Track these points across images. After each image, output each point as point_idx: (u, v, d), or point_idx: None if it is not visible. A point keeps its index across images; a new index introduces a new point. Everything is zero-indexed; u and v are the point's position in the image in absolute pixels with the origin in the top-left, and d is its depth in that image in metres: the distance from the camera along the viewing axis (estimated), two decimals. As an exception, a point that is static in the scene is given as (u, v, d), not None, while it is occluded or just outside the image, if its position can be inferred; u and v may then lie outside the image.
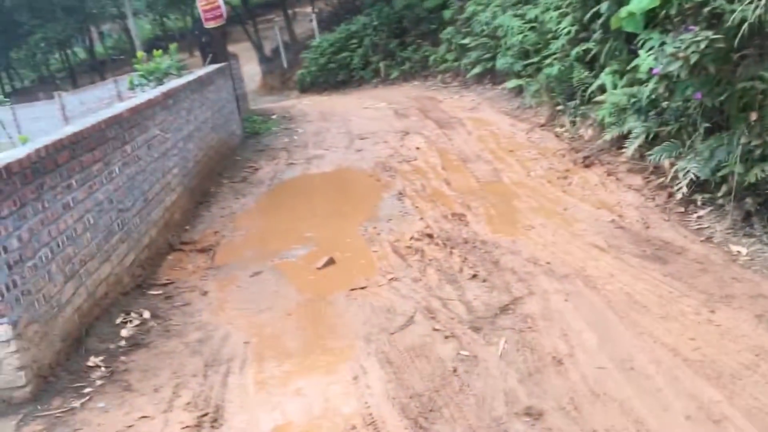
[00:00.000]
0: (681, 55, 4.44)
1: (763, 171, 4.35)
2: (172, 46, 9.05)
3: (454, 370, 3.58)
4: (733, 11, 4.33)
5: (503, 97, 10.84)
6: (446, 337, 3.93)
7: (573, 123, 8.01)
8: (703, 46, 4.34)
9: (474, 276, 4.77)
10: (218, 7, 10.51)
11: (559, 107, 8.51)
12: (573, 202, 5.99)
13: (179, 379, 3.80)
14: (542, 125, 8.67)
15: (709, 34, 4.37)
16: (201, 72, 9.03)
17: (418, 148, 8.70)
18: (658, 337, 3.64)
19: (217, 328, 4.42)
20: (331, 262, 5.44)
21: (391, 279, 4.94)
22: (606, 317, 3.94)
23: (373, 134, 9.79)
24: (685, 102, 5.05)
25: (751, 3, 4.24)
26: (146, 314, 4.63)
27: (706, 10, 4.55)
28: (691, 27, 4.55)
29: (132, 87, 7.36)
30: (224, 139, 9.26)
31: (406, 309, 4.41)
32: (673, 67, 4.53)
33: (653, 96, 5.56)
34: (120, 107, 5.76)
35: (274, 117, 12.29)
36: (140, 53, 8.23)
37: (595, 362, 3.49)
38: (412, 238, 5.67)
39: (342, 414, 3.33)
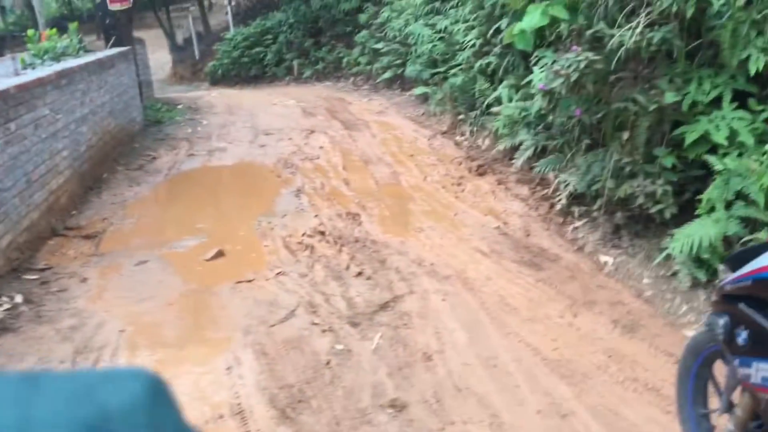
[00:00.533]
0: (563, 72, 4.69)
1: (631, 187, 4.65)
2: (72, 26, 8.73)
3: (327, 363, 3.66)
4: (612, 35, 4.62)
5: (410, 103, 11.05)
6: (324, 331, 4.01)
7: (472, 132, 8.26)
8: (583, 65, 4.60)
9: (359, 273, 4.86)
10: (126, -11, 10.23)
11: (461, 116, 8.75)
12: (463, 208, 6.19)
13: (46, 365, 3.70)
14: (444, 133, 8.89)
15: (590, 55, 4.64)
16: (101, 54, 8.76)
17: (321, 147, 8.74)
18: (523, 337, 3.84)
19: (92, 315, 4.33)
20: (220, 254, 5.43)
21: (279, 273, 4.97)
22: (478, 317, 4.12)
23: (278, 131, 9.76)
24: (569, 119, 5.33)
25: (628, 29, 4.53)
26: (18, 298, 4.47)
27: (589, 32, 4.83)
28: (575, 47, 4.82)
29: (24, 66, 7.05)
30: (123, 125, 9.01)
31: (289, 303, 4.46)
32: (556, 84, 4.78)
33: (542, 111, 5.83)
34: (6, 83, 5.52)
35: (179, 107, 12.04)
36: (31, 31, 7.89)
37: (462, 359, 3.65)
38: (304, 234, 5.72)
39: (210, 403, 3.34)
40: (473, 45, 8.73)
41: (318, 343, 3.88)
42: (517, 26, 5.66)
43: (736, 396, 2.26)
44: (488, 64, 8.15)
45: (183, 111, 11.70)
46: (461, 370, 3.53)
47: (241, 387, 3.46)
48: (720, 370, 2.42)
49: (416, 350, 3.76)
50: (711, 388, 2.55)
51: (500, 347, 3.75)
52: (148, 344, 3.94)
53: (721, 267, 2.18)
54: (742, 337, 1.92)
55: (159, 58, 18.42)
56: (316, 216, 6.18)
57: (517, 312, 4.15)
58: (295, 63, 15.38)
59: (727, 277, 2.05)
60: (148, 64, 13.37)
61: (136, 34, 13.53)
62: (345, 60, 14.48)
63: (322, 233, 5.72)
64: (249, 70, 15.99)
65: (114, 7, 10.29)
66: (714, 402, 2.51)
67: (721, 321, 2.00)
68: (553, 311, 4.13)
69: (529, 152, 6.31)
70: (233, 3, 18.41)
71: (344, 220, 6.06)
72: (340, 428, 3.10)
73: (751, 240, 3.75)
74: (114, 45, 9.90)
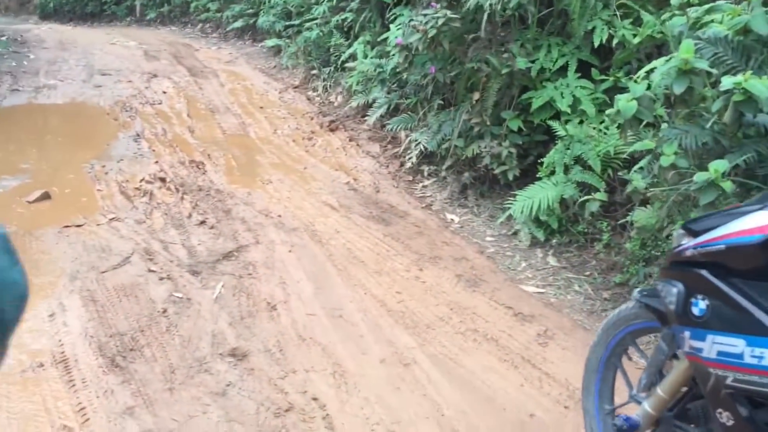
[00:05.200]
0: (421, 28, 4.67)
1: (478, 147, 4.75)
2: None
3: (164, 311, 3.43)
4: (470, -4, 4.64)
5: (262, 54, 10.66)
6: (161, 279, 3.76)
7: (325, 88, 8.12)
8: (440, 22, 4.61)
9: (202, 222, 4.62)
10: None
11: (314, 71, 8.57)
12: (313, 162, 6.07)
13: None
14: (296, 87, 8.67)
15: (448, 12, 4.65)
16: None
17: (164, 92, 8.23)
18: (369, 289, 3.81)
19: None
20: (46, 196, 4.98)
21: (113, 219, 4.62)
22: (325, 269, 4.04)
23: (117, 72, 9.07)
24: (423, 77, 5.34)
25: (486, -8, 4.57)
26: None
27: (448, -10, 4.85)
28: (434, 4, 4.80)
29: None
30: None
31: (123, 249, 4.14)
32: (413, 39, 4.75)
33: (397, 69, 5.80)
34: None
35: (2, 38, 10.86)
36: None
37: (307, 309, 3.56)
38: (143, 180, 5.35)
39: (29, 351, 3.03)
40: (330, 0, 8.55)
41: (154, 291, 3.63)
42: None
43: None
44: (344, 20, 8.02)
45: (6, 43, 10.56)
46: (306, 320, 3.44)
47: (65, 334, 3.17)
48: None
49: (260, 300, 3.63)
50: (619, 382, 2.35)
51: (346, 298, 3.70)
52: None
53: (679, 232, 2.00)
54: (698, 307, 1.78)
55: (-20, -17, 16.50)
56: (156, 162, 5.81)
57: (365, 265, 4.12)
58: (138, 3, 14.36)
59: (686, 242, 1.89)
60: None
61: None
62: (193, 5, 13.69)
63: (163, 180, 5.38)
64: (85, 7, 14.73)
65: None
66: (621, 397, 2.31)
67: (675, 289, 1.84)
68: (399, 265, 4.14)
69: (382, 110, 6.28)
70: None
71: (188, 168, 5.74)
72: (175, 376, 2.92)
73: (588, 200, 3.95)
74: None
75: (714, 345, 1.71)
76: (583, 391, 2.43)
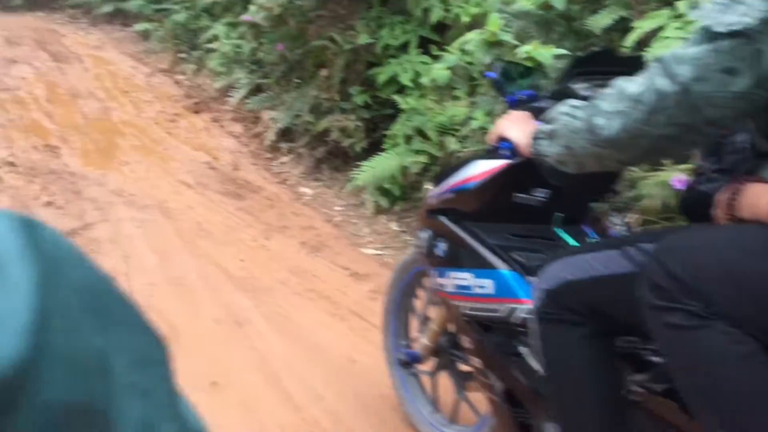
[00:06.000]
0: (267, 5, 4.79)
1: (328, 122, 4.92)
2: None
3: None
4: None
5: (131, 39, 10.43)
6: (-3, 258, 3.72)
7: (193, 71, 8.09)
8: (286, 0, 4.74)
9: (49, 203, 4.60)
10: None
11: (183, 54, 8.52)
12: (175, 144, 6.08)
13: None
14: (164, 70, 8.58)
15: (292, -9, 4.80)
16: None
17: (23, 78, 7.97)
18: (213, 258, 3.92)
19: None
20: None
21: (-47, 204, 4.50)
22: (172, 243, 4.12)
23: (-28, 58, 8.68)
24: (277, 55, 5.46)
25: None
26: None
27: (291, -31, 4.97)
28: (279, -18, 4.93)
29: None
30: None
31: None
32: (260, 17, 4.86)
33: (257, 49, 5.89)
34: None
35: None
36: None
37: (148, 280, 3.63)
38: (-10, 165, 5.23)
39: None
40: (196, -19, 8.48)
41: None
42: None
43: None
44: (211, 2, 8.00)
45: None
46: (146, 290, 3.51)
47: None
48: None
49: (101, 273, 3.66)
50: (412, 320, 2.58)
51: (189, 268, 3.79)
52: None
53: (429, 184, 2.20)
54: (440, 248, 1.97)
55: None
56: (7, 147, 5.68)
57: (213, 237, 4.22)
58: (2, -12, 13.65)
59: (432, 192, 2.09)
60: None
61: None
62: (61, -11, 13.17)
63: (13, 164, 5.28)
64: (-57, -8, 13.87)
65: None
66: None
67: (424, 235, 2.05)
68: (247, 236, 4.26)
69: (244, 90, 6.36)
70: None
71: (41, 153, 5.65)
72: None
73: (409, 165, 4.20)
74: None
75: (452, 280, 1.93)
76: (383, 332, 2.65)
